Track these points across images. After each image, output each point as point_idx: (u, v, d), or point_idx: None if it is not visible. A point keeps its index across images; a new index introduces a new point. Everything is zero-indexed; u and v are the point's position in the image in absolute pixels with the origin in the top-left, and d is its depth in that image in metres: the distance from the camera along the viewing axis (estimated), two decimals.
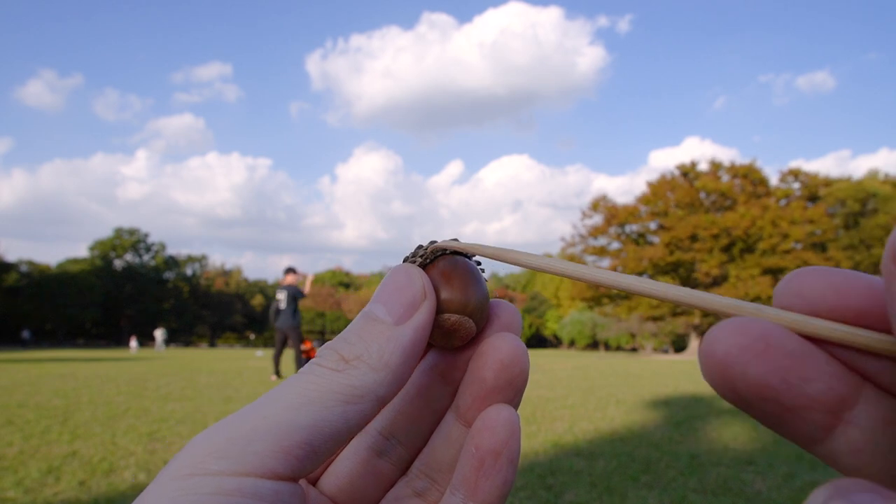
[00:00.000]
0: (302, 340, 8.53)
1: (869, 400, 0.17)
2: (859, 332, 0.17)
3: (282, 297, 8.38)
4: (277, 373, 8.63)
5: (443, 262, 0.25)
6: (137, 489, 2.71)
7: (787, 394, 0.16)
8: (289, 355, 13.62)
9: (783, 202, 36.18)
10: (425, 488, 0.25)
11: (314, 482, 0.25)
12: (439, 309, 0.24)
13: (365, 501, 0.25)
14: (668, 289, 0.20)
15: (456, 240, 0.26)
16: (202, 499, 0.18)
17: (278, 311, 8.36)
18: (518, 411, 0.23)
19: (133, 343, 33.46)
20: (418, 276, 0.23)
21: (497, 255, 0.24)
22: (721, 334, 0.17)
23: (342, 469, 0.25)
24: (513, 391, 0.23)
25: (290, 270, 8.65)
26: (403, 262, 0.25)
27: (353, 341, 0.22)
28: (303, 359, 8.40)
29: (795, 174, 37.58)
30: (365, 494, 0.25)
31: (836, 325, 0.17)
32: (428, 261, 0.25)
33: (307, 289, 8.71)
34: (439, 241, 0.26)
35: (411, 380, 0.26)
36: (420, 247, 0.25)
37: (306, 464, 0.20)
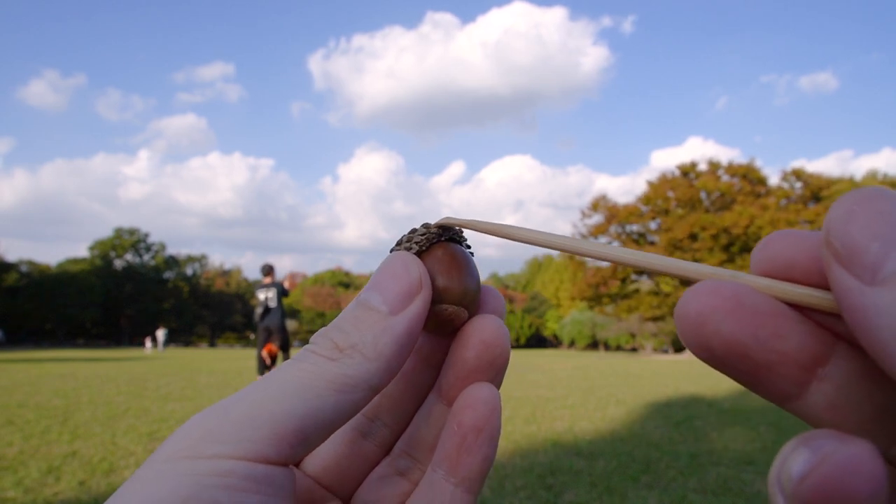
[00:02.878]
0: (288, 341, 8.38)
1: (842, 355, 0.18)
2: (827, 295, 0.17)
3: (271, 294, 8.09)
4: (262, 373, 8.44)
5: (439, 249, 0.24)
6: None
7: (759, 350, 0.17)
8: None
9: (784, 202, 36.19)
10: (408, 467, 0.25)
11: (297, 463, 0.25)
12: (435, 299, 0.23)
13: (348, 481, 0.25)
14: (648, 257, 0.20)
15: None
16: (198, 479, 0.18)
17: (267, 310, 8.11)
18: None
19: (148, 343, 33.52)
20: (415, 265, 0.23)
21: (493, 230, 0.24)
22: (695, 295, 0.17)
23: (326, 450, 0.25)
24: (494, 371, 0.24)
25: (271, 269, 8.42)
26: (397, 245, 0.25)
27: (348, 329, 0.22)
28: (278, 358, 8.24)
29: (797, 174, 37.57)
30: (349, 474, 0.25)
31: (805, 288, 0.18)
32: (423, 248, 0.24)
33: (287, 283, 8.59)
34: (432, 223, 0.25)
35: None
36: (414, 230, 0.25)
37: (298, 450, 0.20)
